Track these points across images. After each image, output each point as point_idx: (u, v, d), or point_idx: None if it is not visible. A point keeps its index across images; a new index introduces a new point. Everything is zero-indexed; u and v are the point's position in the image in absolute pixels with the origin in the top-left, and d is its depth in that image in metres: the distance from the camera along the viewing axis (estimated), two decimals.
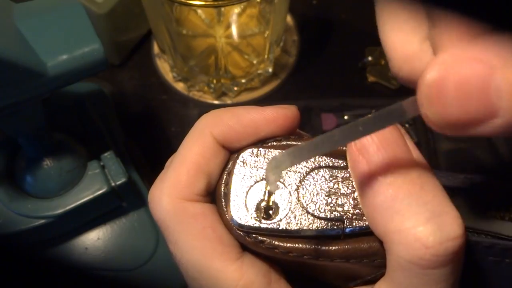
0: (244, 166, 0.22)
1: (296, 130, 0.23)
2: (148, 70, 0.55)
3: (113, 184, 0.41)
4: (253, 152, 0.22)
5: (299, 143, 0.22)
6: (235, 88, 0.52)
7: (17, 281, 0.43)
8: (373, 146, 0.19)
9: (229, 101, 0.53)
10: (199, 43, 0.49)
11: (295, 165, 0.21)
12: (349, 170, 0.21)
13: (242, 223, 0.21)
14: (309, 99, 0.52)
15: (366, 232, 0.20)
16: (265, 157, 0.22)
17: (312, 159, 0.21)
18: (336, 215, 0.21)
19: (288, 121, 0.23)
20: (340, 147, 0.21)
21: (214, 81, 0.51)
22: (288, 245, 0.21)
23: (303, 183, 0.21)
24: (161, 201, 0.22)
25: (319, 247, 0.21)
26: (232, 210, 0.21)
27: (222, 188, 0.22)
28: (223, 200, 0.22)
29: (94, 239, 0.43)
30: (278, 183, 0.21)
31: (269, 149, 0.22)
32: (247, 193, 0.21)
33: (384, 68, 0.54)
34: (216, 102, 0.53)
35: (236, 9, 0.46)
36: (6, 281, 0.43)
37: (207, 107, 0.52)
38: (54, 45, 0.30)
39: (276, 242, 0.21)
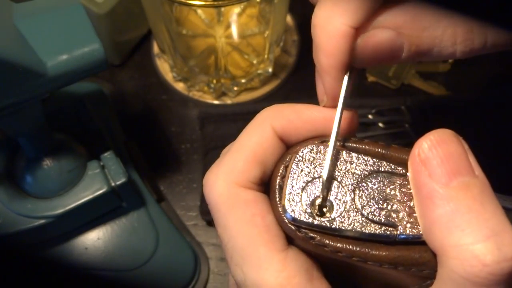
0: (303, 162, 0.22)
1: (354, 132, 0.24)
2: (148, 70, 0.55)
3: (113, 184, 0.41)
4: (312, 149, 0.22)
5: (361, 146, 0.23)
6: (235, 88, 0.52)
7: (17, 281, 0.43)
8: (437, 159, 0.19)
9: (229, 101, 0.53)
10: (199, 43, 0.49)
11: (355, 167, 0.22)
12: (408, 179, 0.21)
13: (295, 217, 0.21)
14: (309, 99, 0.52)
15: (418, 241, 0.20)
16: (324, 155, 0.22)
17: (372, 163, 0.22)
18: (390, 221, 0.21)
19: (346, 123, 0.24)
20: (403, 156, 0.22)
21: (214, 81, 0.51)
22: (339, 244, 0.21)
23: (360, 185, 0.22)
24: (216, 184, 0.22)
25: (369, 250, 0.21)
26: (286, 203, 0.22)
27: (278, 181, 0.22)
28: (278, 193, 0.22)
29: (94, 239, 0.43)
30: (336, 182, 0.22)
31: (330, 148, 0.22)
32: (303, 189, 0.22)
33: (384, 68, 0.54)
34: (216, 102, 0.53)
35: (236, 9, 0.46)
36: (6, 281, 0.43)
37: (207, 107, 0.52)
38: (54, 45, 0.30)
39: (327, 241, 0.21)
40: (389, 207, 0.21)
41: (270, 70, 0.53)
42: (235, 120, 0.50)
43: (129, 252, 0.43)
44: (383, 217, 0.21)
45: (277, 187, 0.22)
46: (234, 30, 0.47)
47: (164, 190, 0.49)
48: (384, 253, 0.21)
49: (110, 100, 0.51)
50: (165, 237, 0.44)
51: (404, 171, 0.21)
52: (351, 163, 0.22)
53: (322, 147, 0.22)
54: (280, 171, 0.23)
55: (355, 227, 0.21)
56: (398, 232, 0.21)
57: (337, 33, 0.22)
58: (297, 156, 0.22)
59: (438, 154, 0.19)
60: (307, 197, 0.22)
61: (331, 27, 0.22)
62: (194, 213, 0.48)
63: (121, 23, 0.51)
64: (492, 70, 0.55)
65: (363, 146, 0.23)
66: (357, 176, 0.22)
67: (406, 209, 0.21)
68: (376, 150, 0.22)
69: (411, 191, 0.21)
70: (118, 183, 0.41)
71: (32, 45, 0.30)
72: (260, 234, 0.21)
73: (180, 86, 0.54)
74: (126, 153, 0.47)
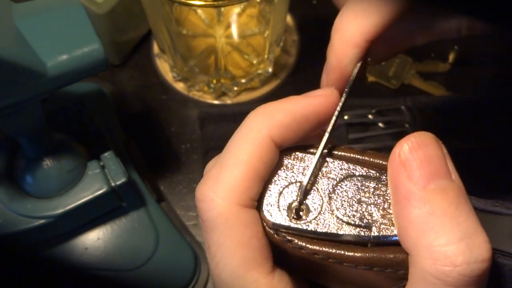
0: (280, 168, 0.23)
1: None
2: (148, 70, 0.55)
3: (113, 184, 0.41)
4: (290, 156, 0.23)
5: (336, 152, 0.23)
6: (235, 88, 0.52)
7: (17, 281, 0.43)
8: (417, 161, 0.20)
9: (229, 101, 0.53)
10: (199, 43, 0.49)
11: (330, 172, 0.22)
12: (383, 180, 0.22)
13: (272, 220, 0.22)
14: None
15: (392, 242, 0.21)
16: (301, 161, 0.23)
17: (347, 167, 0.22)
18: (364, 223, 0.21)
19: (331, 108, 0.23)
20: (377, 160, 0.23)
21: (214, 81, 0.51)
22: (315, 247, 0.21)
23: (335, 189, 0.22)
24: (214, 203, 0.22)
25: (345, 252, 0.21)
26: (264, 208, 0.22)
27: None
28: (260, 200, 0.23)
29: (94, 239, 0.43)
30: (312, 186, 0.22)
31: (307, 154, 0.23)
32: (280, 193, 0.22)
33: (384, 68, 0.54)
34: (216, 102, 0.53)
35: (236, 9, 0.46)
36: (6, 281, 0.43)
37: (207, 107, 0.52)
38: (54, 45, 0.30)
39: (304, 243, 0.22)
40: (363, 209, 0.22)
41: (270, 70, 0.53)
42: (235, 120, 0.50)
43: (129, 252, 0.43)
44: (357, 219, 0.22)
45: None
46: (234, 30, 0.47)
47: (164, 190, 0.49)
48: (359, 254, 0.21)
49: (110, 100, 0.51)
50: (165, 237, 0.44)
51: (378, 174, 0.22)
52: (326, 168, 0.23)
53: (298, 153, 0.23)
54: None
55: (330, 230, 0.22)
56: (372, 234, 0.21)
57: (351, 43, 0.23)
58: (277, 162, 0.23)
59: (418, 156, 0.20)
60: (284, 201, 0.22)
61: (347, 35, 0.23)
62: (194, 213, 0.48)
63: (121, 23, 0.51)
64: (492, 70, 0.55)
65: (338, 152, 0.23)
66: (332, 180, 0.22)
67: (380, 211, 0.22)
68: (351, 155, 0.23)
69: (384, 193, 0.22)
70: (118, 183, 0.41)
71: (32, 45, 0.30)
72: (254, 257, 0.21)
73: (180, 86, 0.54)
74: (126, 153, 0.47)
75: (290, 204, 0.22)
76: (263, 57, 0.51)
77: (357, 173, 0.22)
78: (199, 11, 0.46)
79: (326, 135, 0.23)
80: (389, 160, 0.21)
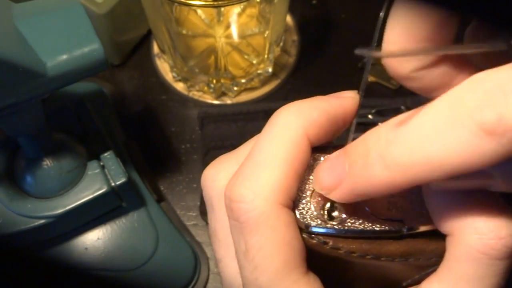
0: (308, 170, 0.23)
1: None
2: (148, 70, 0.55)
3: (113, 184, 0.41)
4: (316, 157, 0.23)
5: None
6: (235, 88, 0.52)
7: (17, 281, 0.43)
8: None
9: (229, 101, 0.53)
10: (199, 43, 0.49)
11: None
12: None
13: (307, 223, 0.22)
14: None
15: (421, 232, 0.22)
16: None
17: None
18: (396, 216, 0.22)
19: (355, 110, 0.24)
20: None
21: (214, 81, 0.51)
22: (352, 246, 0.22)
23: None
24: (255, 203, 0.21)
25: (382, 247, 0.22)
26: (297, 212, 0.22)
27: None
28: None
29: (94, 239, 0.43)
30: None
31: (327, 155, 0.23)
32: (311, 196, 0.22)
33: (384, 68, 0.54)
34: (216, 102, 0.53)
35: (236, 9, 0.46)
36: (6, 281, 0.43)
37: (207, 107, 0.52)
38: (54, 45, 0.30)
39: (340, 244, 0.22)
40: (393, 203, 0.22)
41: (270, 70, 0.53)
42: (235, 120, 0.50)
43: (129, 252, 0.43)
44: (390, 212, 0.22)
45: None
46: (234, 30, 0.47)
47: (164, 190, 0.49)
48: (395, 247, 0.21)
49: (110, 100, 0.51)
50: (165, 237, 0.44)
51: None
52: None
53: (325, 154, 0.23)
54: None
55: (365, 226, 0.22)
56: (406, 225, 0.22)
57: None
58: (314, 163, 0.23)
59: None
60: (316, 203, 0.22)
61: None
62: (194, 213, 0.48)
63: (121, 23, 0.51)
64: None
65: None
66: None
67: (409, 203, 0.22)
68: None
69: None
70: (118, 183, 0.41)
71: (32, 45, 0.30)
72: (295, 258, 0.21)
73: (180, 86, 0.54)
74: (126, 153, 0.47)
75: (323, 205, 0.22)
76: (263, 57, 0.51)
77: None
78: (199, 11, 0.46)
79: (351, 136, 0.23)
80: None
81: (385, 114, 0.51)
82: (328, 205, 0.22)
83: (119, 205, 0.43)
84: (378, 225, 0.22)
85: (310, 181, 0.23)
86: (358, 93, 0.24)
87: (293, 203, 0.22)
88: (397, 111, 0.51)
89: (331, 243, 0.22)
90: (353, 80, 0.55)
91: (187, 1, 0.40)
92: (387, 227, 0.22)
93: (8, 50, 0.27)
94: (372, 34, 0.25)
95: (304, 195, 0.22)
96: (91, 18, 0.32)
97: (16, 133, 0.36)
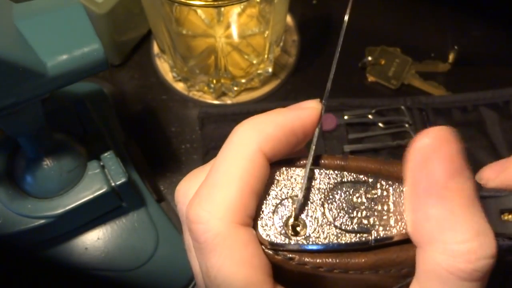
0: (269, 186, 0.22)
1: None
2: (148, 70, 0.55)
3: (113, 184, 0.41)
4: (276, 173, 0.22)
5: (320, 161, 0.23)
6: (235, 88, 0.52)
7: (17, 281, 0.43)
8: (439, 158, 0.20)
9: (229, 101, 0.53)
10: (199, 43, 0.49)
11: (320, 182, 0.22)
12: (371, 184, 0.22)
13: (271, 240, 0.21)
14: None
15: (391, 243, 0.21)
16: (288, 176, 0.22)
17: (334, 175, 0.22)
18: (363, 227, 0.21)
19: (316, 121, 0.23)
20: (361, 164, 0.23)
21: (214, 81, 0.51)
22: (318, 260, 0.21)
23: (328, 199, 0.22)
24: (211, 223, 0.21)
25: (349, 260, 0.21)
26: (260, 229, 0.22)
27: None
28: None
29: (94, 239, 0.43)
30: (304, 199, 0.22)
31: (292, 168, 0.22)
32: (273, 212, 0.22)
33: (384, 68, 0.54)
34: (216, 102, 0.53)
35: (236, 9, 0.46)
36: (6, 281, 0.43)
37: (207, 107, 0.52)
38: (54, 45, 0.30)
39: (306, 259, 0.21)
40: (359, 214, 0.22)
41: (270, 70, 0.53)
42: (235, 120, 0.50)
43: (129, 252, 0.43)
44: (356, 225, 0.21)
45: None
46: (234, 30, 0.47)
47: (164, 190, 0.49)
48: (363, 260, 0.21)
49: (110, 100, 0.51)
50: (165, 237, 0.44)
51: (365, 178, 0.22)
52: (314, 179, 0.22)
53: (284, 169, 0.22)
54: None
55: (331, 240, 0.21)
56: (373, 237, 0.21)
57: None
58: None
59: (440, 152, 0.20)
60: (279, 219, 0.22)
61: None
62: None
63: (121, 23, 0.51)
64: (492, 70, 0.55)
65: (323, 161, 0.23)
66: (323, 191, 0.22)
67: (375, 213, 0.22)
68: (336, 162, 0.23)
69: (375, 196, 0.22)
70: (118, 183, 0.41)
71: (32, 45, 0.30)
72: (257, 276, 0.21)
73: (180, 86, 0.54)
74: (126, 153, 0.47)
75: (286, 221, 0.22)
76: (263, 57, 0.51)
77: (345, 180, 0.22)
78: (199, 11, 0.46)
79: (313, 147, 0.22)
80: (409, 154, 0.20)
81: (385, 114, 0.51)
82: (291, 220, 0.22)
83: (119, 205, 0.43)
84: (343, 238, 0.21)
85: (272, 197, 0.22)
86: (321, 101, 0.24)
87: (254, 220, 0.22)
88: (397, 111, 0.52)
89: (296, 258, 0.21)
90: (353, 80, 0.55)
91: (187, 1, 0.40)
92: (353, 239, 0.21)
93: (8, 50, 0.27)
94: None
95: (267, 211, 0.22)
96: (91, 18, 0.32)
97: (16, 133, 0.36)
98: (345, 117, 0.50)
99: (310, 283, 0.23)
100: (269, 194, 0.22)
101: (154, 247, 0.44)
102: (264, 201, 0.22)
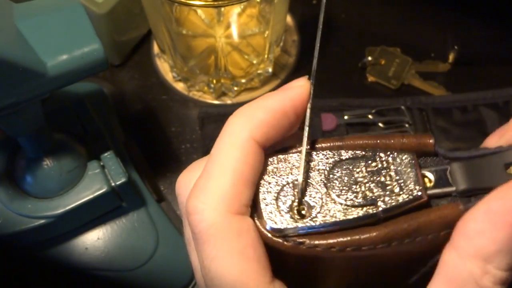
0: (267, 174, 0.22)
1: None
2: (148, 70, 0.55)
3: (113, 184, 0.41)
4: (272, 160, 0.22)
5: (316, 145, 0.23)
6: (235, 88, 0.52)
7: (17, 281, 0.43)
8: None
9: (229, 101, 0.53)
10: (199, 43, 0.49)
11: (318, 164, 0.22)
12: (370, 157, 0.22)
13: (279, 227, 0.21)
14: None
15: (400, 212, 0.21)
16: (286, 162, 0.22)
17: (332, 155, 0.22)
18: (368, 200, 0.21)
19: (307, 99, 0.23)
20: (357, 141, 0.22)
21: (214, 81, 0.51)
22: (329, 240, 0.21)
23: (329, 178, 0.22)
24: (205, 213, 0.21)
25: (360, 235, 0.21)
26: (265, 217, 0.21)
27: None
28: (254, 212, 0.22)
29: (94, 239, 0.43)
30: (305, 182, 0.22)
31: (289, 154, 0.22)
32: (276, 199, 0.22)
33: (384, 68, 0.54)
34: (216, 102, 0.53)
35: (236, 9, 0.46)
36: (6, 281, 0.43)
37: (207, 107, 0.52)
38: (54, 45, 0.30)
39: (316, 241, 0.21)
40: (362, 188, 0.21)
41: (270, 70, 0.53)
42: None
43: (129, 252, 0.43)
44: (361, 198, 0.21)
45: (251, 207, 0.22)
46: (234, 30, 0.47)
47: (164, 190, 0.49)
48: (374, 233, 0.21)
49: (110, 100, 0.51)
50: (165, 237, 0.44)
51: (363, 153, 0.22)
52: (313, 161, 0.22)
53: (280, 155, 0.22)
54: None
55: (338, 217, 0.21)
56: (380, 208, 0.21)
57: None
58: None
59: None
60: (283, 205, 0.22)
61: None
62: None
63: (121, 23, 0.51)
64: (492, 70, 0.55)
65: (319, 145, 0.23)
66: (322, 171, 0.22)
67: (379, 184, 0.21)
68: (332, 144, 0.23)
69: (376, 168, 0.22)
70: (118, 183, 0.41)
71: (32, 45, 0.30)
72: (252, 267, 0.20)
73: (180, 86, 0.54)
74: (126, 153, 0.47)
75: (290, 205, 0.22)
76: (263, 57, 0.51)
77: (344, 158, 0.22)
78: (199, 11, 0.46)
79: (306, 129, 0.22)
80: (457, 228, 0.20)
81: (385, 114, 0.51)
82: (295, 204, 0.22)
83: (119, 205, 0.43)
84: (351, 213, 0.21)
85: (272, 185, 0.22)
86: (309, 79, 0.23)
87: (257, 211, 0.22)
88: (397, 111, 0.52)
89: (307, 242, 0.21)
90: (353, 80, 0.55)
91: (187, 1, 0.40)
92: (360, 214, 0.21)
93: (8, 50, 0.27)
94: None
95: (269, 199, 0.22)
96: (91, 18, 0.32)
97: (16, 133, 0.36)
98: (345, 117, 0.50)
99: (314, 271, 0.23)
100: (269, 183, 0.22)
101: (154, 247, 0.44)
102: (265, 190, 0.22)
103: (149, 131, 0.52)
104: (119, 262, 0.43)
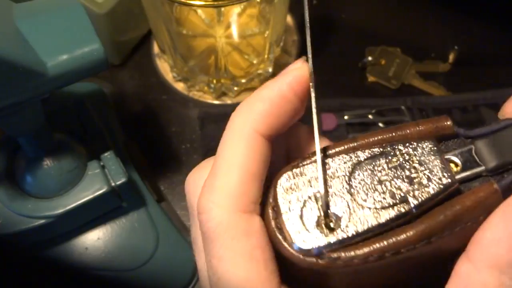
0: (286, 193, 0.21)
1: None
2: (148, 70, 0.55)
3: (113, 184, 0.41)
4: (289, 176, 0.21)
5: (329, 151, 0.22)
6: (235, 88, 0.52)
7: (17, 281, 0.43)
8: None
9: (229, 101, 0.53)
10: (199, 43, 0.49)
11: (336, 170, 0.21)
12: (389, 152, 0.21)
13: (310, 247, 0.20)
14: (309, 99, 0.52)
15: (433, 205, 0.20)
16: (302, 176, 0.21)
17: (348, 158, 0.21)
18: (397, 198, 0.20)
19: (306, 81, 0.22)
20: (372, 138, 0.21)
21: (214, 81, 0.51)
22: (365, 249, 0.19)
23: (351, 183, 0.20)
24: (213, 212, 0.20)
25: (397, 237, 0.19)
26: (295, 239, 0.20)
27: (273, 224, 0.21)
28: (280, 236, 0.20)
29: (94, 239, 0.43)
30: (327, 193, 0.20)
31: (303, 166, 0.21)
32: (301, 217, 0.20)
33: (384, 68, 0.54)
34: (216, 102, 0.53)
35: (236, 9, 0.46)
36: (6, 281, 0.43)
37: (207, 107, 0.52)
38: (54, 45, 0.30)
39: (352, 252, 0.19)
40: (388, 187, 0.20)
41: (270, 70, 0.53)
42: None
43: (129, 252, 0.43)
44: (390, 198, 0.20)
45: (276, 231, 0.21)
46: (234, 30, 0.47)
47: (164, 190, 0.49)
48: (412, 232, 0.19)
49: (110, 100, 0.51)
50: (165, 237, 0.44)
51: (381, 149, 0.21)
52: (330, 169, 0.21)
53: (295, 170, 0.21)
54: (271, 214, 0.21)
55: (370, 223, 0.20)
56: (412, 204, 0.20)
57: None
58: (278, 191, 0.21)
59: None
60: (309, 221, 0.20)
61: None
62: None
63: (121, 23, 0.51)
64: (492, 70, 0.55)
65: (332, 150, 0.22)
66: (343, 177, 0.21)
67: (405, 180, 0.20)
68: (346, 146, 0.22)
69: (398, 162, 0.20)
70: (118, 183, 0.41)
71: (32, 45, 0.30)
72: (259, 270, 0.20)
73: (180, 86, 0.54)
74: (126, 153, 0.47)
75: (317, 221, 0.20)
76: (263, 57, 0.51)
77: (362, 158, 0.21)
78: (199, 11, 0.46)
79: (316, 135, 0.21)
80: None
81: (385, 114, 0.51)
82: (322, 217, 0.20)
83: (119, 205, 0.43)
84: (383, 216, 0.20)
85: (293, 202, 0.20)
86: (306, 61, 0.23)
87: (285, 236, 0.20)
88: (397, 111, 0.52)
89: (343, 255, 0.19)
90: (353, 80, 0.55)
91: (187, 1, 0.40)
92: (392, 214, 0.19)
93: (8, 50, 0.27)
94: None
95: (294, 221, 0.20)
96: (91, 18, 0.32)
97: (16, 133, 0.36)
98: (345, 117, 0.50)
99: (326, 280, 0.21)
100: (290, 201, 0.21)
101: (154, 247, 0.44)
102: (288, 210, 0.20)
103: (149, 131, 0.52)
104: (119, 262, 0.43)
